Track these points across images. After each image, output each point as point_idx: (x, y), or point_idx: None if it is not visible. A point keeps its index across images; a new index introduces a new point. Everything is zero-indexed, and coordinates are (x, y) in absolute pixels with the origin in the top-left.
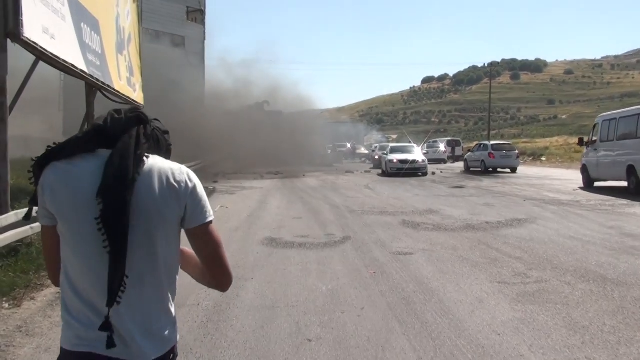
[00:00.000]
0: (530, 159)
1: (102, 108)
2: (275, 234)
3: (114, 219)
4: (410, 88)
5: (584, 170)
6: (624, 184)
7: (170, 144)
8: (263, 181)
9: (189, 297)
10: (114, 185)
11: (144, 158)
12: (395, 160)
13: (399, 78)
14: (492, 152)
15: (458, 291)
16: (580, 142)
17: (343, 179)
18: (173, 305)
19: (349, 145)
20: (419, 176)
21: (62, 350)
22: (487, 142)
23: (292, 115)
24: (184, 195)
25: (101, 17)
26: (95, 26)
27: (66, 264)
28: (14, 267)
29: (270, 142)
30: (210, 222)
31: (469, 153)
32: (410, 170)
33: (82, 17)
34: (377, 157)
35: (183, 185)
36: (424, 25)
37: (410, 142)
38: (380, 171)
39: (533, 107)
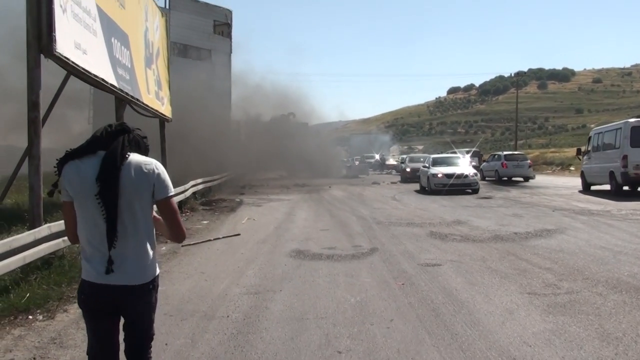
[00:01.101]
0: (559, 168)
1: (131, 121)
2: (303, 246)
3: (107, 195)
4: (436, 99)
5: (582, 175)
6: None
7: (148, 145)
8: (290, 193)
9: (218, 309)
10: (107, 173)
11: (126, 155)
12: (440, 175)
13: (424, 89)
14: (505, 162)
15: (488, 302)
16: (578, 152)
17: (369, 191)
18: (151, 249)
19: (377, 157)
20: (469, 193)
21: (82, 280)
22: (500, 153)
23: (318, 126)
24: (152, 179)
25: (131, 32)
26: (125, 41)
27: (81, 226)
28: (47, 279)
29: (297, 153)
30: (171, 196)
31: (484, 163)
32: (458, 187)
33: (112, 32)
34: (408, 170)
35: (151, 172)
36: (449, 35)
37: (455, 153)
38: (418, 187)
39: (561, 117)
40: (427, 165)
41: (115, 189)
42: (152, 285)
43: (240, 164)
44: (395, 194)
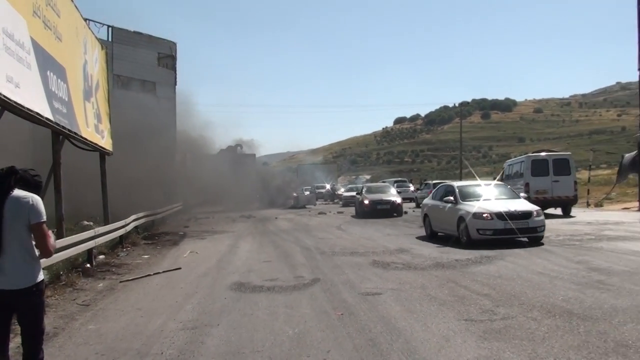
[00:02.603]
0: None
1: (70, 156)
2: (244, 279)
3: None
4: (383, 129)
5: None
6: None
7: (39, 181)
8: (235, 225)
9: (152, 346)
10: None
11: (11, 191)
12: (367, 202)
13: (371, 119)
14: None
15: (425, 330)
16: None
17: (315, 220)
18: (32, 260)
19: (328, 187)
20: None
21: None
22: (430, 182)
23: (266, 157)
24: (26, 208)
25: (68, 65)
26: (62, 74)
27: None
28: None
29: (243, 185)
30: (41, 222)
31: (418, 191)
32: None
33: (48, 65)
34: (366, 202)
35: (26, 203)
36: (394, 66)
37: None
38: (354, 212)
39: (504, 145)
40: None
41: (0, 216)
42: (35, 289)
43: (186, 196)
44: (341, 223)
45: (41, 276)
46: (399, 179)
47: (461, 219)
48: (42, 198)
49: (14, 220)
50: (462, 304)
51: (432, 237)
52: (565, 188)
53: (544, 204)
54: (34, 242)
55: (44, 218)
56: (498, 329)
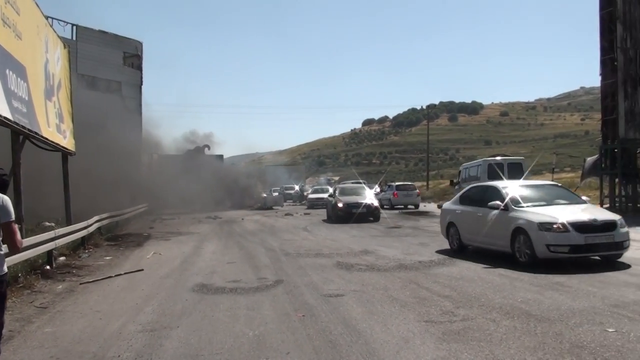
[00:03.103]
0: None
1: (32, 156)
2: (207, 280)
3: None
4: (351, 130)
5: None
6: None
7: (6, 180)
8: (201, 225)
9: (109, 349)
10: None
11: None
12: (342, 205)
13: (339, 120)
14: (396, 191)
15: (385, 332)
16: (451, 183)
17: (282, 222)
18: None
19: (297, 188)
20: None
21: None
22: (392, 183)
23: (233, 159)
24: None
25: (28, 64)
26: (21, 72)
27: None
28: None
29: (210, 185)
30: (11, 221)
31: (382, 193)
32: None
33: (7, 63)
34: (340, 206)
35: None
36: (363, 68)
37: (359, 182)
38: (322, 214)
39: (471, 148)
40: (332, 195)
41: None
42: (2, 279)
43: (152, 197)
44: (307, 225)
45: (5, 269)
46: (355, 181)
47: (519, 230)
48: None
49: None
50: (423, 306)
51: (461, 251)
52: None
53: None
54: (0, 238)
55: (13, 217)
56: (457, 331)
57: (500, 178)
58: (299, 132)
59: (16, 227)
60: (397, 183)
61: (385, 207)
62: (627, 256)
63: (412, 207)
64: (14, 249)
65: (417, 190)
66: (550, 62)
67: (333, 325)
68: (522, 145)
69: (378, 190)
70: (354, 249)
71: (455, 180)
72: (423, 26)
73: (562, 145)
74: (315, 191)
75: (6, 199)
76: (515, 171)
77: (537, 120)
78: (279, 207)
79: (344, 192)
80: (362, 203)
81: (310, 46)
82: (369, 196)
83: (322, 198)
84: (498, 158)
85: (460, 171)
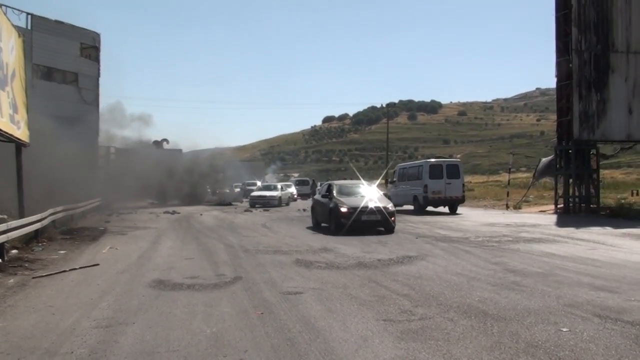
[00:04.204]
0: None
1: None
2: (165, 276)
3: None
4: (312, 127)
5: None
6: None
7: None
8: (158, 220)
9: (62, 345)
10: None
11: None
12: (346, 210)
13: (300, 117)
14: None
15: (344, 330)
16: (386, 182)
17: (241, 218)
18: None
19: (259, 184)
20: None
21: None
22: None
23: (192, 153)
24: None
25: None
26: None
27: None
28: None
29: (169, 180)
30: None
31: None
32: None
33: None
34: (344, 211)
35: None
36: (324, 65)
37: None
38: (291, 215)
39: (430, 147)
40: (327, 194)
41: None
42: None
43: (108, 191)
44: (266, 221)
45: None
46: (302, 179)
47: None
48: None
49: None
50: (382, 304)
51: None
52: (455, 189)
53: (438, 202)
54: None
55: None
56: (415, 330)
57: (440, 177)
58: (259, 128)
59: None
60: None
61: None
62: (580, 256)
63: None
64: None
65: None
66: (508, 63)
67: (292, 323)
68: (480, 145)
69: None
70: (313, 246)
71: (390, 180)
72: (384, 24)
73: (518, 146)
74: (263, 188)
75: None
76: (453, 171)
77: (494, 120)
78: (238, 203)
79: (342, 191)
80: (372, 207)
81: (270, 41)
82: (379, 197)
83: (265, 196)
84: (437, 160)
85: (395, 171)
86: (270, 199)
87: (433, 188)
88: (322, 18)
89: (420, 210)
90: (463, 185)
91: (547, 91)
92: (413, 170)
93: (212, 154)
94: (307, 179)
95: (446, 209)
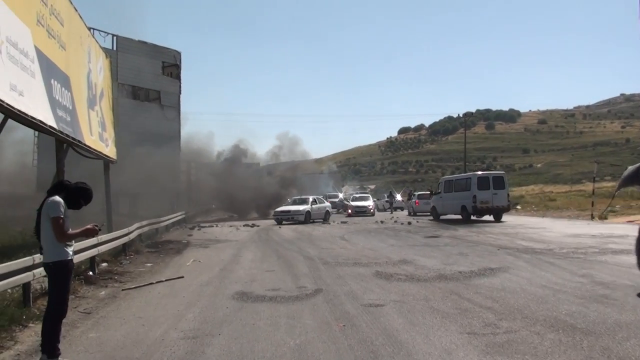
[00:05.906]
0: None
1: (75, 163)
2: (247, 288)
3: (37, 219)
4: (387, 139)
5: (434, 209)
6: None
7: (80, 188)
8: (239, 233)
9: (152, 355)
10: (40, 206)
11: (49, 197)
12: (352, 206)
13: (375, 129)
14: (418, 200)
15: (427, 343)
16: (430, 192)
17: (319, 230)
18: (53, 244)
19: (341, 196)
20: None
21: None
22: (416, 193)
23: (270, 167)
24: (46, 208)
25: (72, 74)
26: (65, 82)
27: None
28: None
29: (248, 193)
30: (53, 217)
31: (409, 201)
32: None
33: (52, 73)
34: (277, 211)
35: (46, 204)
36: (399, 76)
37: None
38: (367, 226)
39: (508, 157)
40: (348, 200)
41: (39, 215)
42: (51, 264)
43: (190, 205)
44: (344, 233)
45: (59, 257)
46: (362, 194)
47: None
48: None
49: (43, 215)
50: (465, 317)
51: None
52: (501, 199)
53: (486, 211)
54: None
55: (54, 214)
56: (501, 343)
57: (487, 188)
58: (336, 141)
59: (59, 222)
60: (419, 192)
61: (410, 214)
62: None
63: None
64: (59, 239)
65: None
66: (589, 68)
67: (374, 336)
68: (561, 154)
69: (400, 198)
70: (393, 258)
71: (434, 191)
72: (460, 34)
73: (602, 154)
74: (358, 199)
75: (52, 201)
76: (498, 183)
77: (575, 128)
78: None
79: (355, 199)
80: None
81: (345, 54)
82: (369, 201)
83: (289, 211)
84: (485, 172)
85: (440, 183)
86: (295, 214)
87: (481, 198)
88: (399, 28)
89: (467, 219)
90: (508, 195)
91: (632, 97)
92: (460, 182)
93: (290, 166)
94: (367, 194)
95: (491, 217)
